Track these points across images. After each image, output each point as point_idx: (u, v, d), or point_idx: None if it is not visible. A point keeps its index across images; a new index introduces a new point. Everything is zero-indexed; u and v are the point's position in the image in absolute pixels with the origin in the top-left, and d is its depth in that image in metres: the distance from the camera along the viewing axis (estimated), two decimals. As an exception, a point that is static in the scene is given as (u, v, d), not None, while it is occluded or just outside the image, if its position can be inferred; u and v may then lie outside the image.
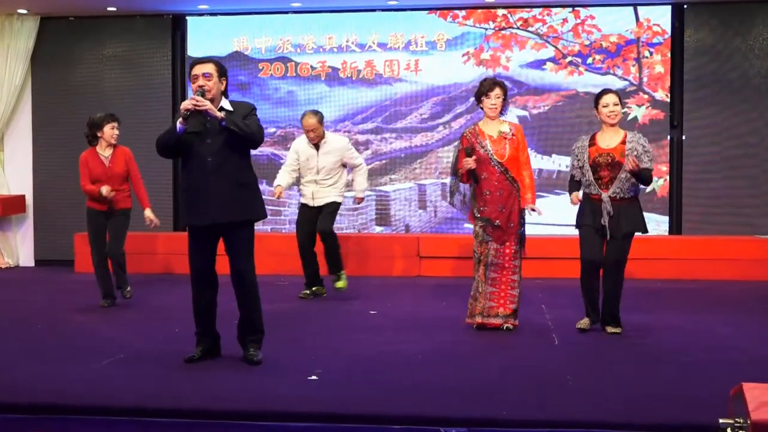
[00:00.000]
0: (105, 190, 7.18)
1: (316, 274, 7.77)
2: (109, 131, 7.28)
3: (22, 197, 10.23)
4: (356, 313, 7.06)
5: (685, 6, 9.36)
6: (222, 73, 5.18)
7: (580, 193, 6.20)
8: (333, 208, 7.67)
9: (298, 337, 6.07)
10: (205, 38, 10.03)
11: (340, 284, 7.66)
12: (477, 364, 5.29)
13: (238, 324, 5.33)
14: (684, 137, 9.43)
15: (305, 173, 7.68)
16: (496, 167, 6.12)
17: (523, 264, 6.30)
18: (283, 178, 7.72)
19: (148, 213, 7.42)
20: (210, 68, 5.13)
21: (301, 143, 7.73)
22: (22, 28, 10.01)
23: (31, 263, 10.37)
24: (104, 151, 7.33)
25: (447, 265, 9.18)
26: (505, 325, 6.18)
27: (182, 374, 5.02)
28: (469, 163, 6.06)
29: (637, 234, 6.09)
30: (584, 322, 6.17)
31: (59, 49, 10.17)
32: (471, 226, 6.52)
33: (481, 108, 6.24)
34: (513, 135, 6.18)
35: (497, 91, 6.14)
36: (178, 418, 4.33)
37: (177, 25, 10.11)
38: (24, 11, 9.87)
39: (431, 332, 6.26)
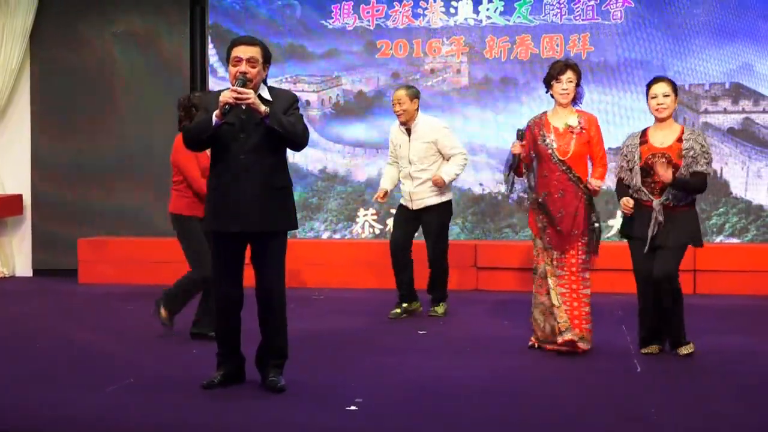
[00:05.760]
0: None
1: (411, 287, 7.66)
2: None
3: (19, 197, 10.37)
4: (403, 333, 7.05)
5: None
6: (267, 58, 5.14)
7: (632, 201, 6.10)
8: (441, 220, 7.63)
9: (334, 361, 6.07)
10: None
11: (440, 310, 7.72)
12: (546, 394, 5.24)
13: (259, 346, 5.34)
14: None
15: (400, 166, 7.68)
16: (558, 165, 6.09)
17: (599, 276, 6.25)
18: (387, 175, 7.80)
19: None
20: (256, 52, 5.06)
21: (394, 128, 7.76)
22: (20, 3, 10.13)
23: (29, 273, 10.53)
24: None
25: (509, 278, 9.13)
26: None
27: (200, 402, 5.05)
28: (516, 147, 6.08)
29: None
30: (652, 348, 6.11)
31: (62, 27, 10.30)
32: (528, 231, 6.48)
33: (552, 95, 6.20)
34: (582, 129, 6.14)
35: (569, 74, 6.10)
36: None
37: (196, -3, 10.22)
38: (22, -17, 10.03)
39: (491, 356, 6.23)
